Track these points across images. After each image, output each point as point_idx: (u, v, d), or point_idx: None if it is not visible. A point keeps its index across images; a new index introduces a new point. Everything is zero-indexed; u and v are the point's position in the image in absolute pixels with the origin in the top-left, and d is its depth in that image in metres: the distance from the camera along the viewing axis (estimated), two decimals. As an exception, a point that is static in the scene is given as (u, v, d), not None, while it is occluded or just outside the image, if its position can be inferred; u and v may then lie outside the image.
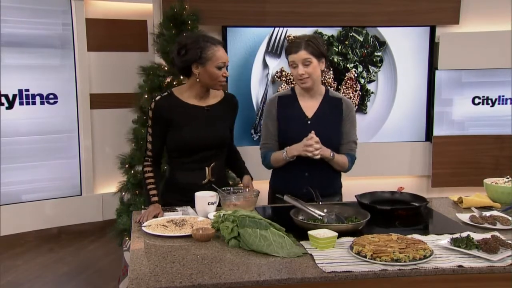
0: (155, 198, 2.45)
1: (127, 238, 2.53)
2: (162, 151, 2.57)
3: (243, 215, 1.97)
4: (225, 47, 2.55)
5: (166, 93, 2.51)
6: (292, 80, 4.96)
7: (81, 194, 5.21)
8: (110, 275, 4.02)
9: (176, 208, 2.42)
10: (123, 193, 4.36)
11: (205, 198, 2.31)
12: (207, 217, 2.25)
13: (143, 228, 2.14)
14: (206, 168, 2.54)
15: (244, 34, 4.85)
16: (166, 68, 4.25)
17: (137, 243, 2.02)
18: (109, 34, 5.18)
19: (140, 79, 4.37)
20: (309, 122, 2.62)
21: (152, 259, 1.83)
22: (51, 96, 4.97)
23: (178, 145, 2.50)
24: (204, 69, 2.42)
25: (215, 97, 2.58)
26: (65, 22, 4.99)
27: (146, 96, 4.25)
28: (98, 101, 5.20)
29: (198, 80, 2.46)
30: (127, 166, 4.32)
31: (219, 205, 2.35)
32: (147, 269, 1.74)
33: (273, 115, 2.66)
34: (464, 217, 2.26)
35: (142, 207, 2.46)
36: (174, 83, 4.20)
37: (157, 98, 2.49)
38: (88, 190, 5.23)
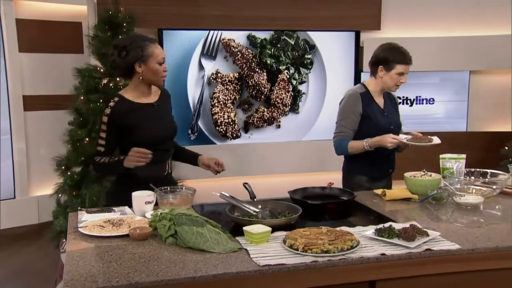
0: (121, 157, 2.47)
1: (64, 240, 2.51)
2: (115, 150, 2.61)
3: (179, 213, 2.00)
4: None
5: (117, 99, 2.56)
6: (227, 81, 5.04)
7: (14, 197, 5.07)
8: (47, 278, 3.93)
9: (113, 208, 2.42)
10: (60, 195, 4.29)
11: (142, 198, 2.32)
12: (145, 216, 2.26)
13: (79, 229, 2.11)
14: (167, 161, 2.68)
15: (180, 36, 4.88)
16: (102, 70, 4.21)
17: (73, 244, 1.99)
18: (42, 35, 5.05)
19: (75, 81, 4.31)
20: (385, 113, 3.04)
21: (88, 260, 1.82)
22: (-20, 98, 4.82)
23: (140, 144, 2.51)
24: (147, 66, 2.52)
25: (155, 92, 2.68)
26: (-7, 22, 4.84)
27: (82, 98, 4.20)
28: (32, 103, 5.07)
29: (141, 78, 2.55)
30: (63, 167, 4.26)
31: (156, 204, 2.36)
32: (83, 270, 1.72)
33: (357, 110, 2.96)
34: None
35: (79, 208, 2.45)
36: (110, 84, 4.18)
37: (112, 105, 2.53)
38: (22, 193, 5.08)
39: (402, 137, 2.83)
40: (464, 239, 2.01)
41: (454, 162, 2.81)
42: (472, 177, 2.77)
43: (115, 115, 2.51)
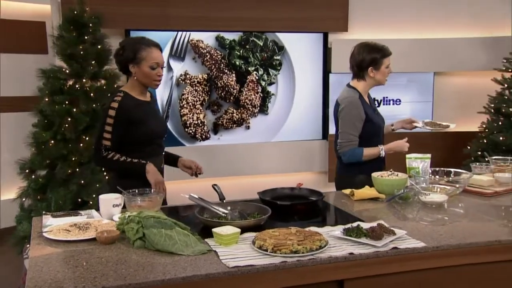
0: (143, 161, 2.59)
1: (27, 245, 2.46)
2: (119, 144, 2.62)
3: (148, 215, 1.98)
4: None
5: (122, 94, 2.63)
6: (196, 82, 5.02)
7: (-25, 202, 4.93)
8: (9, 285, 3.84)
9: (80, 211, 2.39)
10: (24, 199, 4.20)
11: (109, 200, 2.29)
12: (112, 220, 2.23)
13: (44, 233, 2.07)
14: (162, 155, 2.82)
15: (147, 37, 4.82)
16: (67, 71, 4.14)
17: (37, 249, 1.94)
18: (3, 35, 4.92)
19: (39, 82, 4.22)
20: (375, 111, 3.15)
21: (53, 265, 1.77)
22: None
23: (142, 138, 2.65)
24: (139, 68, 2.62)
25: (148, 92, 2.79)
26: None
27: (46, 99, 4.12)
28: (-7, 104, 4.95)
29: (135, 78, 2.65)
30: (27, 171, 4.17)
31: (124, 207, 2.33)
32: (48, 276, 1.68)
33: (362, 115, 3.02)
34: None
35: (44, 212, 2.40)
36: (76, 86, 4.12)
37: (119, 99, 2.60)
38: (-17, 197, 4.95)
39: (420, 125, 3.26)
40: (429, 237, 2.06)
41: (420, 161, 2.86)
42: (437, 176, 2.83)
43: (122, 109, 2.58)
